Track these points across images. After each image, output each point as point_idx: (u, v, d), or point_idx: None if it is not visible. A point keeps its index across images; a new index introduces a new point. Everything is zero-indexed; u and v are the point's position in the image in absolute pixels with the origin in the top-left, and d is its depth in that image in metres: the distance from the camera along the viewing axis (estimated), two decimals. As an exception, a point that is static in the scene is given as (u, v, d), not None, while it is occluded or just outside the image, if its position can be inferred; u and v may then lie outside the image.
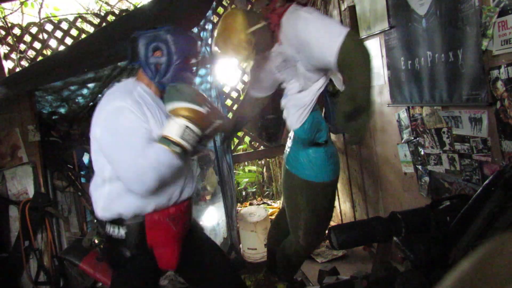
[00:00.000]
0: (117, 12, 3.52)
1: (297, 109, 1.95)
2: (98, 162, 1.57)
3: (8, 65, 3.16)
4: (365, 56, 1.58)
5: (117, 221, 1.59)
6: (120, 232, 1.59)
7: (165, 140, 1.45)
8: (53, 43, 3.33)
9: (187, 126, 1.46)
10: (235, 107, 3.53)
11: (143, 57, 1.58)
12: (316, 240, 2.19)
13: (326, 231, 2.19)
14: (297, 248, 2.15)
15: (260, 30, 1.81)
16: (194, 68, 1.68)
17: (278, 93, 3.68)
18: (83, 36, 3.30)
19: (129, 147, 1.45)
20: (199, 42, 1.68)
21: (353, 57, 1.58)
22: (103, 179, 1.57)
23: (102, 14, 3.49)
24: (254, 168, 5.08)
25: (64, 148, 3.11)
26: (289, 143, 2.12)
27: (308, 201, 2.01)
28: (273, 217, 3.19)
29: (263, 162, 5.07)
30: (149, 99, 1.58)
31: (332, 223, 3.81)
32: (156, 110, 1.58)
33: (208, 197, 3.56)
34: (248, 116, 2.38)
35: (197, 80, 3.36)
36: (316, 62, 1.74)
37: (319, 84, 1.92)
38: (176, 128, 1.46)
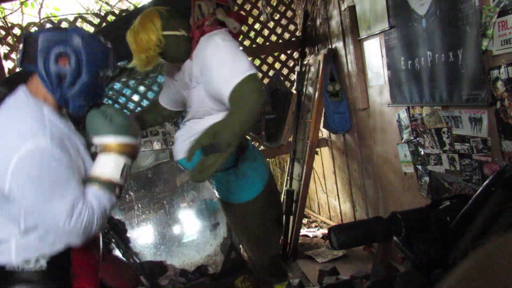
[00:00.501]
0: (117, 12, 3.53)
1: (186, 137, 1.83)
2: (9, 210, 1.22)
3: (8, 65, 3.16)
4: (254, 105, 1.50)
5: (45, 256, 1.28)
6: (39, 263, 1.25)
7: (101, 182, 1.25)
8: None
9: (125, 164, 1.29)
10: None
11: (42, 63, 1.24)
12: (267, 253, 2.14)
13: (276, 241, 2.16)
14: (252, 262, 2.16)
15: (175, 38, 1.72)
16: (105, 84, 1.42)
17: (276, 92, 3.69)
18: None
19: (65, 196, 1.17)
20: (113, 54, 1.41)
21: (243, 100, 1.50)
22: (15, 228, 1.24)
23: (102, 14, 3.49)
24: (254, 168, 5.08)
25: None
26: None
27: (235, 220, 2.04)
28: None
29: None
30: (60, 124, 1.28)
31: (332, 223, 3.81)
32: (72, 135, 1.31)
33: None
34: (149, 122, 2.14)
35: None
36: (212, 90, 1.66)
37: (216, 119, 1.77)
38: (114, 168, 1.27)
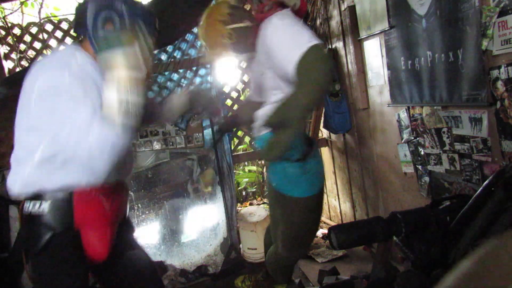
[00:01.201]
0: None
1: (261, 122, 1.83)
2: (29, 141, 1.37)
3: (8, 65, 3.16)
4: (318, 76, 1.47)
5: (38, 196, 1.33)
6: (41, 207, 1.31)
7: (107, 118, 1.22)
8: (53, 43, 3.33)
9: (122, 94, 1.20)
10: (235, 107, 3.53)
11: (91, 27, 1.32)
12: (296, 252, 2.12)
13: (309, 243, 2.15)
14: (278, 257, 2.13)
15: (242, 30, 1.74)
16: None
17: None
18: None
19: (74, 120, 1.22)
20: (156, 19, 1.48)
21: (307, 72, 1.48)
22: (31, 159, 1.33)
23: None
24: (254, 168, 5.08)
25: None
26: None
27: (283, 214, 1.96)
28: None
29: (263, 162, 5.07)
30: (94, 71, 1.33)
31: (332, 223, 3.81)
32: (101, 83, 1.31)
33: (207, 190, 3.55)
34: (245, 118, 2.19)
35: (197, 79, 3.37)
36: (280, 72, 1.65)
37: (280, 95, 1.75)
38: (113, 102, 1.21)
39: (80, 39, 1.47)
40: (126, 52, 1.21)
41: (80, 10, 1.36)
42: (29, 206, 1.34)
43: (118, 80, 1.20)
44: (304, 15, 3.57)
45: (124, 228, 1.57)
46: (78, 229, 1.35)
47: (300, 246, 2.09)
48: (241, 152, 4.13)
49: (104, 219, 1.41)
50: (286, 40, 1.57)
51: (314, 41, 1.50)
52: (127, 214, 1.65)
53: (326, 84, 1.51)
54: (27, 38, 3.24)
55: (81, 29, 1.37)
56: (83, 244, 1.37)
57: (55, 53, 1.40)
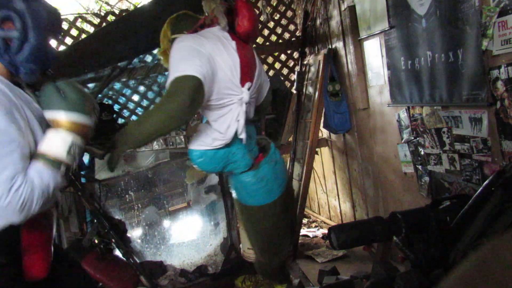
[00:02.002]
0: (117, 12, 3.53)
1: (194, 144, 1.85)
2: None
3: None
4: (174, 107, 1.50)
5: None
6: None
7: (47, 159, 1.18)
8: (53, 43, 3.33)
9: (73, 143, 1.22)
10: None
11: None
12: (273, 257, 2.11)
13: (284, 247, 2.15)
14: (260, 263, 2.14)
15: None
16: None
17: (276, 92, 3.69)
18: (83, 36, 3.30)
19: (4, 168, 1.10)
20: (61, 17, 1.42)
21: (162, 100, 1.56)
22: None
23: (102, 14, 3.49)
24: (254, 168, 5.08)
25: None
26: None
27: (249, 223, 1.97)
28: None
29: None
30: (9, 93, 1.20)
31: (332, 223, 3.81)
32: (23, 105, 1.23)
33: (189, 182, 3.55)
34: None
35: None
36: None
37: (213, 115, 1.77)
38: (61, 145, 1.20)
39: None
40: (71, 113, 1.21)
41: None
42: None
43: (66, 128, 1.21)
44: (304, 16, 3.58)
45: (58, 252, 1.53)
46: (22, 253, 1.31)
47: (277, 250, 2.07)
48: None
49: (47, 241, 1.40)
50: (171, 65, 1.61)
51: (186, 72, 1.52)
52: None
53: (175, 116, 1.51)
54: (27, 38, 3.23)
55: None
56: (25, 268, 1.32)
57: None
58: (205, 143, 1.78)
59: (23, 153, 1.15)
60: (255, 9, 3.69)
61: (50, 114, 1.23)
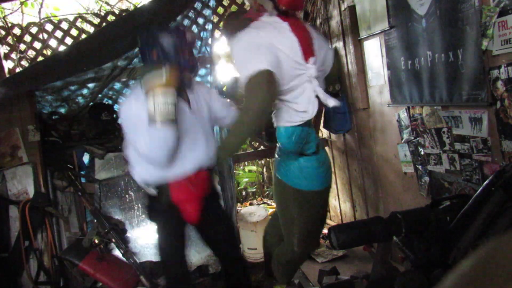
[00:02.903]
0: (117, 12, 3.53)
1: (283, 121, 1.94)
2: (134, 140, 1.90)
3: (8, 65, 3.16)
4: (258, 102, 1.60)
5: (150, 184, 2.01)
6: (154, 191, 2.01)
7: (150, 120, 1.72)
8: (53, 43, 3.33)
9: (159, 100, 1.68)
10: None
11: (147, 57, 1.93)
12: (310, 246, 2.18)
13: (322, 234, 2.21)
14: (293, 255, 2.12)
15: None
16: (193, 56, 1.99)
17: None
18: (83, 36, 3.30)
19: (140, 140, 1.82)
20: (188, 33, 1.97)
21: (249, 98, 1.62)
22: (136, 153, 1.94)
23: (102, 14, 3.49)
24: (254, 168, 5.08)
25: (64, 148, 3.11)
26: (278, 151, 2.07)
27: (300, 209, 1.97)
28: (273, 217, 3.18)
29: (263, 162, 5.07)
30: None
31: (332, 223, 3.81)
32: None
33: None
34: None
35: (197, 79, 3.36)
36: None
37: (291, 97, 1.84)
38: (151, 106, 1.69)
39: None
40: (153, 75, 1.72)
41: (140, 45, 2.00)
42: (149, 189, 2.02)
43: (152, 93, 1.70)
44: (304, 16, 3.58)
45: (211, 198, 2.17)
46: (177, 204, 2.01)
47: (314, 239, 2.16)
48: (241, 152, 4.13)
49: (193, 199, 2.03)
50: (237, 67, 1.71)
51: (257, 67, 1.58)
52: (213, 188, 2.27)
53: (262, 111, 1.62)
54: (27, 38, 3.24)
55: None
56: (182, 213, 2.04)
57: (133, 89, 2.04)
58: (293, 120, 1.87)
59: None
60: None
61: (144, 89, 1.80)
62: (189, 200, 2.03)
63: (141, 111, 1.77)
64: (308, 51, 1.79)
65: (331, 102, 1.84)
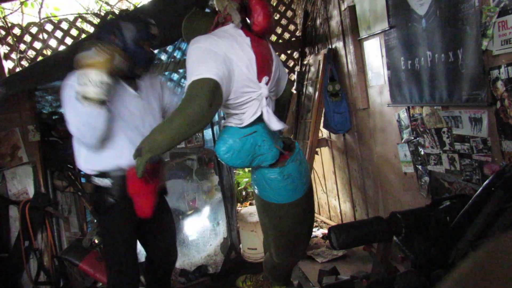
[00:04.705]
0: (117, 12, 3.53)
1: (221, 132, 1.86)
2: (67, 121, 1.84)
3: (8, 65, 3.16)
4: (187, 113, 1.52)
5: (103, 174, 1.91)
6: (107, 182, 1.91)
7: (78, 96, 1.69)
8: (53, 43, 3.33)
9: (86, 76, 1.65)
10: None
11: (103, 41, 1.82)
12: (291, 256, 2.10)
13: (300, 248, 2.12)
14: (274, 263, 2.11)
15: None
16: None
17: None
18: (83, 36, 3.30)
19: (71, 117, 1.78)
20: (151, 26, 1.91)
21: (181, 105, 1.55)
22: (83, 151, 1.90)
23: (102, 14, 3.49)
24: (254, 168, 5.07)
25: (64, 148, 3.11)
26: None
27: (271, 221, 1.94)
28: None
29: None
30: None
31: (332, 223, 3.81)
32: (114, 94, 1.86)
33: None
34: None
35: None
36: None
37: (233, 108, 1.76)
38: (81, 83, 1.67)
39: None
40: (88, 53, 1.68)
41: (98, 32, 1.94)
42: (97, 180, 1.93)
43: (81, 71, 1.67)
44: (304, 16, 3.57)
45: (162, 195, 2.15)
46: (131, 196, 1.92)
47: (293, 251, 2.06)
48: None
49: (148, 190, 1.96)
50: (188, 68, 1.62)
51: (205, 75, 1.53)
52: (164, 184, 2.21)
53: (195, 118, 1.52)
54: (27, 38, 3.24)
55: None
56: (134, 207, 1.95)
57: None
58: (231, 122, 1.79)
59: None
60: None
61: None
62: (145, 192, 1.95)
63: (73, 92, 1.73)
64: (263, 70, 1.73)
65: (275, 125, 1.74)
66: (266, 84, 1.73)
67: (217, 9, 1.77)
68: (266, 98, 1.74)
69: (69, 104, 1.76)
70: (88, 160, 1.91)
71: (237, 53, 1.65)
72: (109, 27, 1.85)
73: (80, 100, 1.68)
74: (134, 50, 1.84)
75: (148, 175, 1.87)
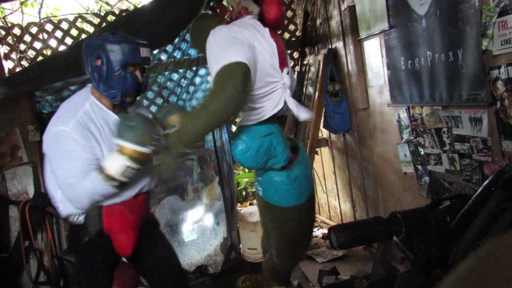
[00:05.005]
0: (117, 12, 3.53)
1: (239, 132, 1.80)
2: (52, 182, 1.70)
3: (8, 65, 3.16)
4: (226, 96, 1.41)
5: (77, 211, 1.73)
6: (79, 218, 1.73)
7: (103, 173, 1.53)
8: (53, 43, 3.33)
9: (128, 166, 1.52)
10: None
11: (88, 66, 1.61)
12: (291, 258, 2.08)
13: (303, 250, 2.10)
14: (274, 265, 2.10)
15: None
16: (139, 75, 1.66)
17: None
18: (83, 36, 3.30)
19: (67, 172, 1.56)
20: (143, 48, 1.65)
21: (213, 93, 1.44)
22: (58, 195, 1.71)
23: (102, 14, 3.49)
24: (254, 168, 5.07)
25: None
26: None
27: (274, 223, 1.92)
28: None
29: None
30: (96, 116, 1.63)
31: (332, 223, 3.81)
32: (105, 127, 1.64)
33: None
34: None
35: (197, 79, 3.36)
36: None
37: (256, 111, 1.70)
38: (117, 166, 1.52)
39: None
40: (138, 147, 1.52)
41: (82, 53, 1.63)
42: (72, 218, 1.74)
43: (125, 154, 1.52)
44: (304, 16, 3.58)
45: (148, 225, 1.91)
46: (108, 233, 1.73)
47: (294, 254, 2.05)
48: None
49: (128, 226, 1.76)
50: (210, 57, 1.57)
51: (233, 59, 1.46)
52: (150, 213, 2.01)
53: (231, 102, 1.43)
54: (27, 38, 3.24)
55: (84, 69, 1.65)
56: (113, 244, 1.75)
57: (68, 101, 1.70)
58: (251, 120, 1.73)
59: (85, 164, 1.56)
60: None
61: (116, 141, 1.54)
62: (123, 228, 1.74)
63: (84, 141, 1.56)
64: (283, 61, 1.71)
65: (303, 115, 1.71)
66: (287, 74, 1.72)
67: (227, 5, 1.77)
68: (289, 88, 1.72)
69: (66, 158, 1.56)
70: (63, 200, 1.70)
71: (259, 41, 1.63)
72: (93, 48, 1.59)
73: (101, 177, 1.53)
74: (123, 76, 1.60)
75: (127, 210, 1.73)
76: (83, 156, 1.56)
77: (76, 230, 1.76)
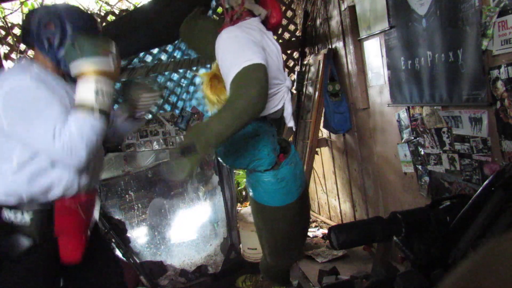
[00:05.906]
0: (117, 12, 3.53)
1: None
2: (4, 149, 1.39)
3: (8, 65, 3.16)
4: (245, 100, 1.39)
5: (19, 206, 1.38)
6: (24, 217, 1.38)
7: (80, 107, 1.33)
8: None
9: (97, 85, 1.33)
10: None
11: (35, 32, 1.42)
12: (282, 259, 2.07)
13: (295, 250, 2.09)
14: (268, 265, 2.09)
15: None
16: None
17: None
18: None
19: (46, 124, 1.30)
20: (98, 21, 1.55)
21: (234, 95, 1.43)
22: (10, 166, 1.38)
23: (102, 14, 3.49)
24: (254, 168, 5.07)
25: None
26: None
27: (265, 224, 1.92)
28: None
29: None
30: (48, 79, 1.43)
31: (332, 223, 3.81)
32: (60, 90, 1.44)
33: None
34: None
35: (197, 79, 3.36)
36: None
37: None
38: (88, 90, 1.33)
39: (32, 54, 1.55)
40: (96, 59, 1.34)
41: (25, 21, 1.48)
42: (8, 216, 1.38)
43: (91, 77, 1.33)
44: (304, 16, 3.58)
45: (94, 232, 1.66)
46: (56, 237, 1.45)
47: (286, 253, 2.04)
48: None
49: (80, 229, 1.51)
50: (227, 59, 1.53)
51: (252, 60, 1.45)
52: (96, 219, 1.74)
53: (256, 110, 1.42)
54: (27, 38, 3.24)
55: (28, 37, 1.47)
56: (59, 251, 1.46)
57: (13, 66, 1.53)
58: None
59: (60, 110, 1.34)
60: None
61: (72, 69, 1.36)
62: (76, 230, 1.48)
63: (46, 94, 1.35)
64: (284, 63, 1.74)
65: (291, 123, 1.75)
66: (288, 76, 1.74)
67: (228, 6, 1.75)
68: (289, 91, 1.74)
69: (37, 109, 1.34)
70: (12, 190, 1.38)
71: (267, 43, 1.65)
72: (45, 15, 1.43)
73: (92, 111, 1.33)
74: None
75: (81, 208, 1.49)
76: (56, 100, 1.36)
77: (13, 233, 1.38)
